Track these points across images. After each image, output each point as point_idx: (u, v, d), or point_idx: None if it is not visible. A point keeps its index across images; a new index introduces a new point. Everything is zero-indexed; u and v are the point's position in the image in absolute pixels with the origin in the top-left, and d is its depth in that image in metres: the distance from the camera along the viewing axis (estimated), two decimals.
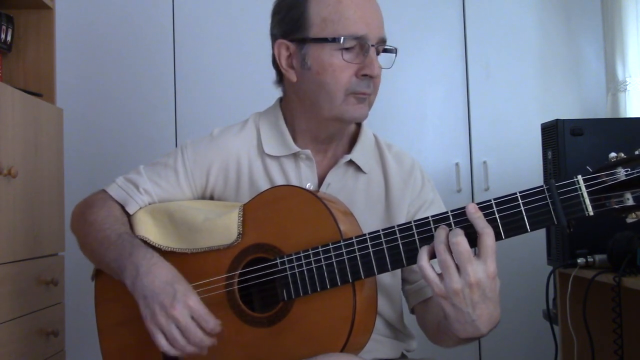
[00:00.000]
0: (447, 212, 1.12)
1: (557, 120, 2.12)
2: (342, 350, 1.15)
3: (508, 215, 1.08)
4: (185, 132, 2.81)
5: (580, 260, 2.01)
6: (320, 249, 1.18)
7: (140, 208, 1.39)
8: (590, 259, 2.01)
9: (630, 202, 1.02)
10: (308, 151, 1.39)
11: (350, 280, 1.16)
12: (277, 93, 1.48)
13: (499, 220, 1.09)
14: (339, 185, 1.39)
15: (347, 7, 1.31)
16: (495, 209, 1.09)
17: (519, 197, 1.08)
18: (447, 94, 2.92)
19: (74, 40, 2.80)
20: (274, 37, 1.40)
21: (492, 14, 2.93)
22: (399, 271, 1.40)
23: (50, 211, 2.06)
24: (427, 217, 1.13)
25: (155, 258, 1.25)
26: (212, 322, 1.20)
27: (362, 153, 1.42)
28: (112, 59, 2.84)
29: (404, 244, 1.14)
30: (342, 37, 1.29)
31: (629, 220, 1.05)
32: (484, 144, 2.90)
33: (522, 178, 2.81)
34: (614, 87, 2.78)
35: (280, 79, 1.43)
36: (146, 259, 1.25)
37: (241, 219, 1.28)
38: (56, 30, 2.29)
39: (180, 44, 2.85)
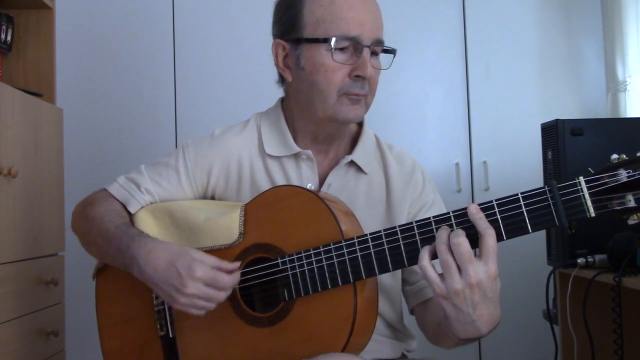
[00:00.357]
0: (448, 213, 1.12)
1: (557, 120, 2.12)
2: (342, 350, 1.16)
3: (509, 216, 1.08)
4: (185, 132, 2.81)
5: (580, 260, 2.01)
6: (321, 249, 1.18)
7: (142, 207, 1.40)
8: (590, 259, 2.01)
9: (632, 204, 1.03)
10: (309, 151, 1.39)
11: (352, 280, 1.17)
12: (277, 93, 1.48)
13: (500, 221, 1.09)
14: (340, 186, 1.39)
15: (341, 8, 1.30)
16: (496, 209, 1.09)
17: (521, 198, 1.08)
18: (447, 94, 2.92)
19: (74, 40, 2.80)
20: (273, 37, 1.40)
21: (492, 14, 2.93)
22: (399, 272, 1.40)
23: (50, 211, 2.06)
24: (429, 218, 1.13)
25: (149, 244, 1.25)
26: (226, 280, 1.20)
27: (363, 154, 1.42)
28: (112, 59, 2.84)
29: (406, 244, 1.14)
30: (334, 38, 1.29)
31: (631, 221, 1.05)
32: (484, 144, 2.90)
33: (522, 178, 2.82)
34: (614, 87, 2.79)
35: (282, 78, 1.43)
36: (141, 248, 1.24)
37: (242, 218, 1.28)
38: (56, 30, 2.29)
39: (180, 44, 2.85)
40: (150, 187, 1.41)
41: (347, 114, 1.33)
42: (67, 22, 2.75)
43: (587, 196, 1.05)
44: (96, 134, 2.81)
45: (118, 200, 1.41)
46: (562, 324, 2.11)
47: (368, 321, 1.21)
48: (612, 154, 1.06)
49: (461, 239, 1.06)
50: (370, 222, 1.33)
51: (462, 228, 1.09)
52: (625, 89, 2.74)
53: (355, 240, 1.17)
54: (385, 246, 1.15)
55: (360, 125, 1.46)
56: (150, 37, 2.84)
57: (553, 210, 1.06)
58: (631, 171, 1.02)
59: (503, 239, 1.09)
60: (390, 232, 1.15)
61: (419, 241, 1.13)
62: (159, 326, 1.33)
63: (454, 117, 2.92)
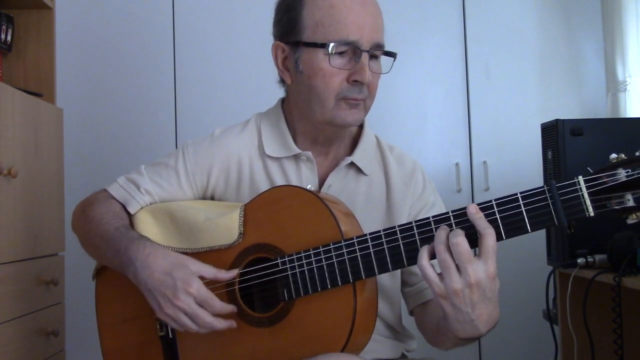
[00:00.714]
0: (447, 213, 1.12)
1: (557, 120, 2.12)
2: (342, 350, 1.16)
3: (509, 216, 1.09)
4: (185, 132, 2.81)
5: (580, 260, 2.01)
6: (321, 249, 1.18)
7: (142, 208, 1.40)
8: (590, 259, 2.01)
9: (631, 203, 1.03)
10: (309, 153, 1.39)
11: (351, 280, 1.17)
12: (277, 93, 1.48)
13: (499, 221, 1.09)
14: (340, 187, 1.39)
15: (339, 12, 1.29)
16: (496, 209, 1.09)
17: (520, 198, 1.08)
18: (447, 94, 2.92)
19: (74, 40, 2.80)
20: (274, 38, 1.40)
21: (492, 14, 2.93)
22: (398, 273, 1.40)
23: (50, 211, 2.06)
24: (428, 218, 1.13)
25: (148, 248, 1.25)
26: (217, 305, 1.21)
27: (363, 155, 1.42)
28: (112, 59, 2.84)
29: (405, 244, 1.14)
30: (332, 43, 1.28)
31: (630, 221, 1.05)
32: (484, 144, 2.90)
33: (522, 178, 2.82)
34: (614, 87, 2.79)
35: (283, 79, 1.43)
36: (139, 251, 1.25)
37: (242, 219, 1.28)
38: (56, 30, 2.29)
39: (180, 44, 2.85)
40: (150, 187, 1.41)
41: (345, 118, 1.32)
42: (67, 22, 2.75)
43: (586, 196, 1.05)
44: (96, 134, 2.81)
45: (118, 201, 1.41)
46: (562, 324, 2.11)
47: (368, 321, 1.21)
48: (611, 154, 1.06)
49: (460, 239, 1.06)
50: (370, 223, 1.33)
51: (462, 228, 1.09)
52: (625, 89, 2.74)
53: (355, 240, 1.17)
54: (385, 246, 1.15)
55: (361, 126, 1.45)
56: (150, 37, 2.84)
57: (552, 210, 1.06)
58: (630, 170, 1.02)
59: (502, 239, 1.09)
60: (390, 232, 1.15)
61: (418, 241, 1.13)
62: (158, 326, 1.33)
63: (454, 117, 2.92)
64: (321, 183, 1.40)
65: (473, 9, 2.92)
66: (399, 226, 1.15)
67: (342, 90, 1.30)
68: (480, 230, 1.07)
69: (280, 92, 1.47)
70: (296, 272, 1.20)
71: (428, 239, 1.12)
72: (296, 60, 1.34)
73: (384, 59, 1.36)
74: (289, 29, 1.34)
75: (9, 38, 2.16)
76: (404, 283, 1.41)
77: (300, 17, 1.32)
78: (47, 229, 2.03)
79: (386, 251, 1.15)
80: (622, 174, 1.03)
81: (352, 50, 1.29)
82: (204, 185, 1.42)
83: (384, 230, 1.16)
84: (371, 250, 1.16)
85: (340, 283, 1.17)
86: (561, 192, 1.06)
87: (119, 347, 1.39)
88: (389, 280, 1.37)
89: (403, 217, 1.40)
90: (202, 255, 1.30)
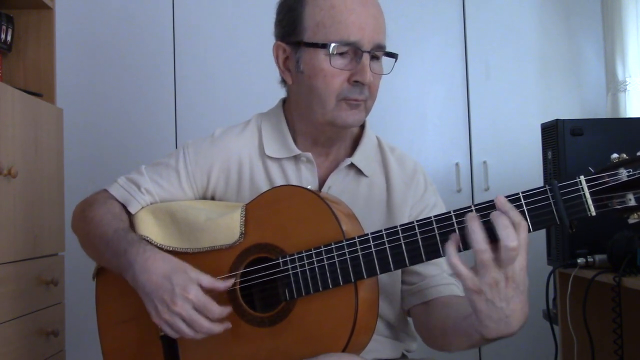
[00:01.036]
0: (449, 212, 1.12)
1: (557, 120, 2.12)
2: (343, 350, 1.15)
3: None
4: (185, 132, 2.81)
5: (580, 260, 2.01)
6: (322, 249, 1.18)
7: (142, 208, 1.40)
8: (590, 259, 2.01)
9: (632, 203, 1.03)
10: (309, 154, 1.39)
11: (353, 280, 1.17)
12: (277, 94, 1.48)
13: None
14: (340, 189, 1.39)
15: (340, 12, 1.29)
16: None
17: (522, 197, 1.08)
18: (447, 94, 2.92)
19: (74, 40, 2.80)
20: (275, 38, 1.40)
21: (492, 14, 2.93)
22: (398, 272, 1.40)
23: (50, 211, 2.06)
24: (430, 217, 1.13)
25: (148, 252, 1.25)
26: (215, 311, 1.20)
27: (364, 156, 1.42)
28: (112, 59, 2.84)
29: (407, 243, 1.14)
30: (333, 43, 1.28)
31: (631, 220, 1.06)
32: (484, 144, 2.90)
33: (522, 178, 2.82)
34: (614, 87, 2.79)
35: (284, 79, 1.43)
36: (139, 254, 1.24)
37: (243, 218, 1.28)
38: (56, 30, 2.29)
39: (180, 44, 2.85)
40: (150, 187, 1.41)
41: (346, 119, 1.32)
42: (67, 22, 2.75)
43: (587, 195, 1.05)
44: (96, 134, 2.81)
45: (118, 201, 1.41)
46: (562, 324, 2.11)
47: (369, 320, 1.21)
48: (612, 154, 1.07)
49: (510, 231, 1.03)
50: (371, 224, 1.32)
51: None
52: (625, 89, 2.74)
53: (357, 239, 1.17)
54: (387, 245, 1.15)
55: (362, 127, 1.45)
56: (150, 37, 2.84)
57: (554, 209, 1.06)
58: (631, 170, 1.02)
59: None
60: (392, 232, 1.15)
61: (420, 240, 1.13)
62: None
63: (454, 117, 2.92)
64: (321, 184, 1.40)
65: (473, 9, 2.92)
66: (401, 225, 1.15)
67: (342, 91, 1.30)
68: (517, 221, 1.05)
69: (280, 93, 1.47)
70: (297, 272, 1.20)
71: (429, 238, 1.12)
72: (297, 61, 1.34)
73: (385, 59, 1.36)
74: (290, 29, 1.34)
75: (9, 38, 2.16)
76: (403, 282, 1.41)
77: (301, 18, 1.32)
78: (47, 229, 2.03)
79: (388, 250, 1.15)
80: (623, 174, 1.03)
81: (353, 50, 1.29)
82: (204, 186, 1.42)
83: (385, 229, 1.15)
84: (373, 249, 1.15)
85: (341, 283, 1.17)
86: (563, 192, 1.06)
87: (119, 347, 1.39)
88: (388, 279, 1.37)
89: (404, 218, 1.39)
90: (203, 255, 1.30)
